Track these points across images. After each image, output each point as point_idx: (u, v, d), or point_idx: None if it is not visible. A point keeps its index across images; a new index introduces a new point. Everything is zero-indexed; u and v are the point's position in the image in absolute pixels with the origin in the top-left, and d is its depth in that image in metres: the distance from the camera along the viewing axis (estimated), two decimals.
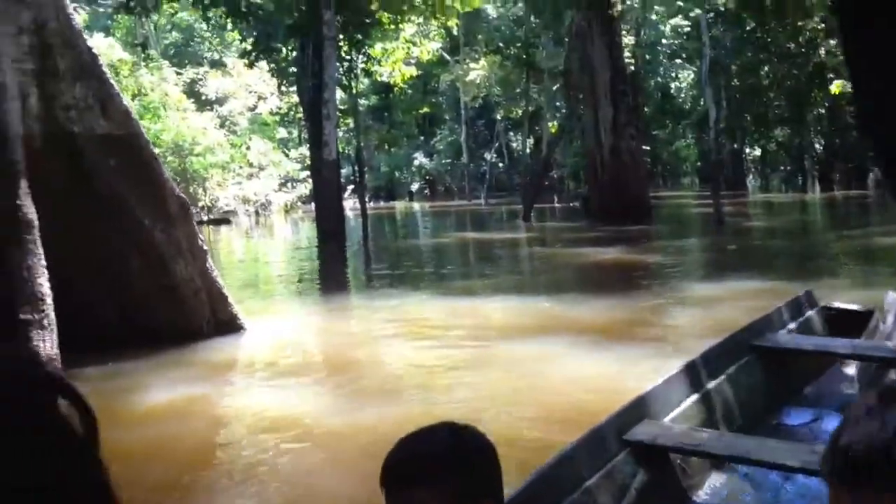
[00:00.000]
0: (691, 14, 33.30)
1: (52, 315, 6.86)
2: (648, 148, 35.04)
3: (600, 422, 3.47)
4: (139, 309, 8.07)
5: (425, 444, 1.32)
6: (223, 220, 30.10)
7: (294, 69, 23.31)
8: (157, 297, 8.07)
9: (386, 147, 49.25)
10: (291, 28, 21.66)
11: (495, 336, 8.14)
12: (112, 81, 8.22)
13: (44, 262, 7.00)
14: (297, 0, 21.07)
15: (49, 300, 6.91)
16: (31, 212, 7.14)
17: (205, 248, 8.46)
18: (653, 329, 8.23)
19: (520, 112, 38.61)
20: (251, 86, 35.74)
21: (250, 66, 26.92)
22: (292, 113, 33.67)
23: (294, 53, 22.90)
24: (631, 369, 6.30)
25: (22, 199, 7.16)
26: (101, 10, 36.63)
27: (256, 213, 33.49)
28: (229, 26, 26.71)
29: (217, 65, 38.51)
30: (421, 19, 27.62)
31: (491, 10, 37.13)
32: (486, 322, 9.16)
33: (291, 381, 6.79)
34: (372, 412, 5.70)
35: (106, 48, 26.62)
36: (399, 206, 41.99)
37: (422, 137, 49.44)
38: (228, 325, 8.40)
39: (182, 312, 8.10)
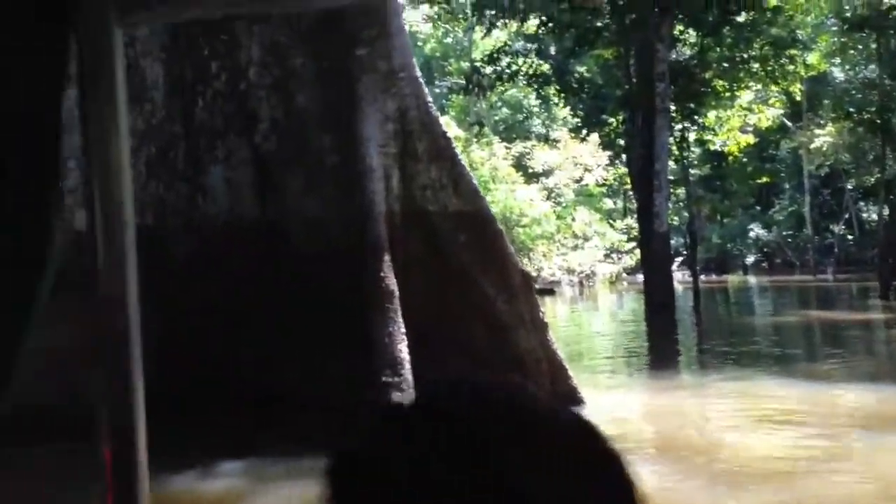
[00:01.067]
0: None
1: (410, 378, 7.66)
2: None
3: None
4: (484, 373, 8.71)
5: None
6: (547, 290, 31.06)
7: (623, 140, 23.83)
8: (501, 365, 8.67)
9: (718, 218, 48.14)
10: (622, 100, 22.25)
11: (855, 426, 7.75)
12: (462, 162, 9.11)
13: (403, 330, 7.86)
14: (629, 73, 21.65)
15: (407, 364, 7.73)
16: (392, 283, 8.08)
17: (545, 319, 8.97)
18: None
19: (873, 180, 36.06)
20: (578, 158, 36.92)
21: (581, 139, 27.86)
22: (618, 184, 34.20)
23: (624, 125, 23.43)
24: None
25: (385, 271, 8.13)
26: (437, 90, 40.02)
27: (580, 283, 34.18)
28: (558, 101, 28.01)
29: (544, 138, 40.29)
30: (759, 86, 27.04)
31: (838, 74, 35.37)
32: (840, 410, 8.72)
33: (632, 461, 6.96)
34: (716, 498, 5.72)
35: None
36: (732, 279, 40.69)
37: (758, 207, 47.73)
38: (567, 397, 8.78)
39: (524, 382, 8.62)
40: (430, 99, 9.14)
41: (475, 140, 32.39)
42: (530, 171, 37.04)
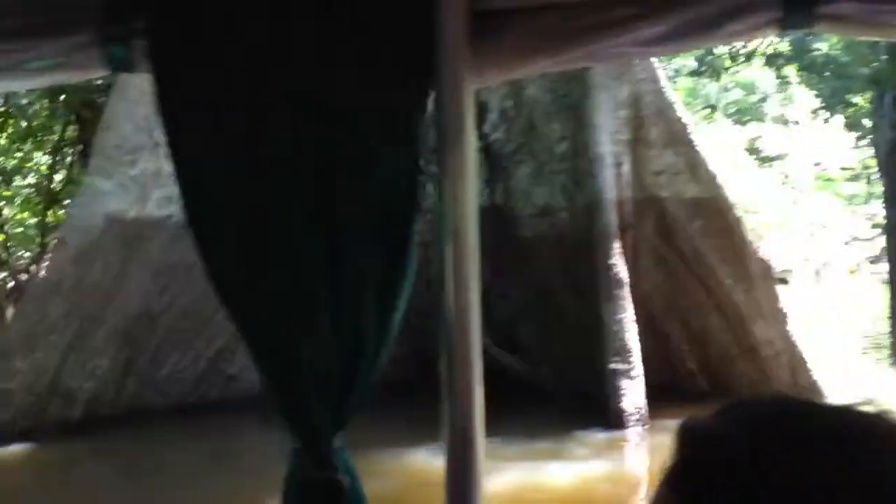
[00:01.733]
0: None
1: (640, 367, 7.64)
2: None
3: None
4: (717, 365, 8.54)
5: None
6: (780, 279, 29.59)
7: (869, 121, 22.33)
8: (735, 355, 8.47)
9: None
10: (870, 79, 20.85)
11: None
12: (699, 147, 8.91)
13: (633, 317, 7.85)
14: (877, 50, 20.24)
15: (637, 352, 7.72)
16: (622, 270, 8.08)
17: (785, 310, 8.65)
18: None
19: None
20: (816, 140, 34.89)
21: (823, 121, 26.39)
22: (861, 168, 32.04)
23: (871, 105, 21.95)
24: None
25: (615, 258, 8.14)
26: (663, 72, 39.04)
27: (816, 272, 32.38)
28: (796, 80, 26.60)
29: (780, 120, 38.38)
30: None
31: None
32: None
33: None
34: None
35: None
36: None
37: None
38: (808, 392, 8.44)
39: (761, 373, 8.39)
40: (665, 84, 9.01)
41: (705, 123, 31.43)
42: (763, 154, 35.40)
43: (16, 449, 7.89)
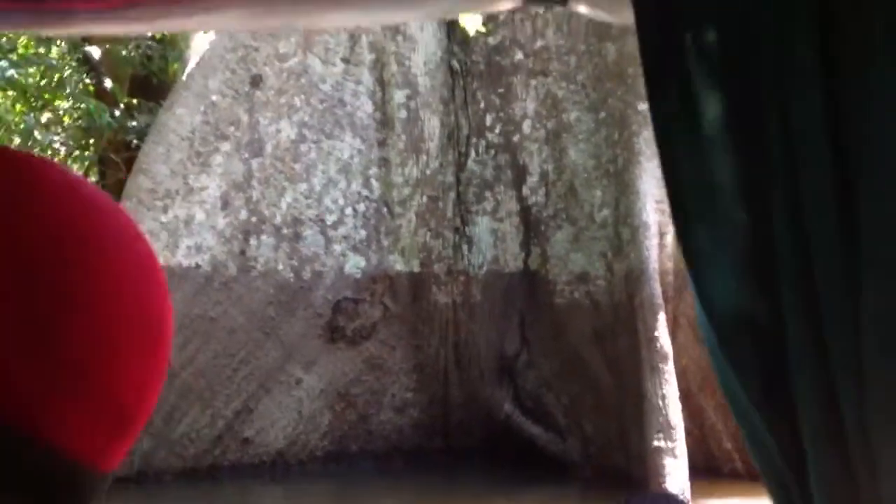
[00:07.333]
0: None
1: (684, 445, 8.02)
2: None
3: None
4: None
5: None
6: None
7: None
8: None
9: None
10: None
11: None
12: None
13: (677, 392, 8.25)
14: None
15: (681, 430, 8.10)
16: (666, 343, 8.52)
17: None
18: None
19: None
20: None
21: None
22: None
23: None
24: None
25: (659, 331, 8.58)
26: None
27: None
28: None
29: None
30: None
31: None
32: None
33: None
34: None
35: None
36: None
37: None
38: None
39: None
40: None
41: None
42: None
43: None
